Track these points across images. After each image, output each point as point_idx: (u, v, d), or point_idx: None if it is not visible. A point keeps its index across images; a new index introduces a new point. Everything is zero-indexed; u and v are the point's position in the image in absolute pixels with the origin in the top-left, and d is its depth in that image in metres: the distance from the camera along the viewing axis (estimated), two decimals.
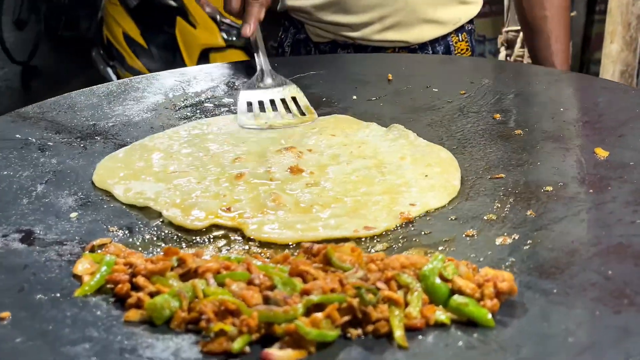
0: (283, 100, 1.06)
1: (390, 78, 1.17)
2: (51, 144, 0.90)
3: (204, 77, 1.19)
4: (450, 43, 1.43)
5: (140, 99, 1.08)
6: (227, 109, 1.06)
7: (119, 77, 4.26)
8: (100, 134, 0.95)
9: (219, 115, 1.03)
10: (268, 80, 1.11)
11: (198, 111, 1.04)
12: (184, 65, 3.64)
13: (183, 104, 1.07)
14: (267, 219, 0.73)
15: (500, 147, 0.88)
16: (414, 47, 1.41)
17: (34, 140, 0.91)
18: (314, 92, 1.13)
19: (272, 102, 1.06)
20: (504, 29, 2.36)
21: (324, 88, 1.15)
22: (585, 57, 3.19)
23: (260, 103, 1.05)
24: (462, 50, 1.45)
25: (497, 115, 0.98)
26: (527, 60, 2.35)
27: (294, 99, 1.07)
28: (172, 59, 3.90)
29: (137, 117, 1.01)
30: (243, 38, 1.14)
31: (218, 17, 3.84)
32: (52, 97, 1.05)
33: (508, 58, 2.37)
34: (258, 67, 1.12)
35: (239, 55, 3.46)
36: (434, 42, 1.41)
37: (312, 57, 1.37)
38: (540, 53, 1.38)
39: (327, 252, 0.55)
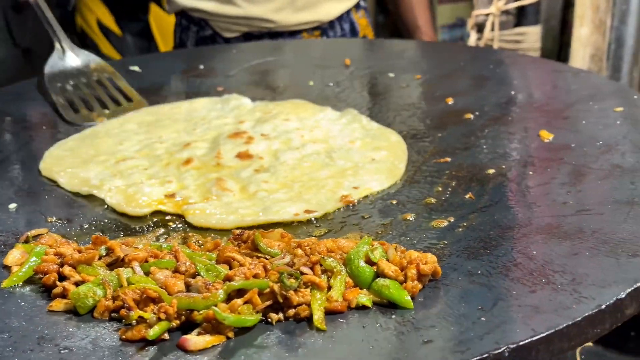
0: (99, 83, 1.01)
1: (348, 63, 1.17)
2: None
3: (160, 66, 1.18)
4: (354, 20, 1.48)
5: None
6: (183, 95, 1.05)
7: None
8: (48, 123, 0.94)
9: (173, 102, 1.03)
10: (72, 58, 1.03)
11: (152, 97, 1.04)
12: (158, 52, 3.61)
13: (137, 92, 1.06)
14: (210, 204, 0.73)
15: (449, 131, 0.89)
16: (325, 27, 1.44)
17: None
18: (271, 78, 1.12)
19: (88, 84, 1.00)
20: (474, 13, 2.36)
21: (282, 74, 1.15)
22: (564, 40, 3.20)
23: (76, 87, 0.99)
24: (364, 26, 1.52)
25: (449, 99, 0.99)
26: (497, 44, 2.36)
27: (110, 80, 1.01)
28: (147, 46, 3.85)
29: None
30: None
31: None
32: (2, 87, 1.04)
33: (478, 42, 2.37)
34: (56, 43, 1.02)
35: None
36: (340, 19, 1.46)
37: (270, 42, 1.36)
38: (406, 17, 1.52)
39: (254, 238, 0.56)
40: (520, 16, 2.29)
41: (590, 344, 1.03)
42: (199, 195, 0.75)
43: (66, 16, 4.58)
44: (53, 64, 1.01)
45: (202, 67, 1.18)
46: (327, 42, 1.36)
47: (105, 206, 0.73)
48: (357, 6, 1.48)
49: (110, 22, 4.10)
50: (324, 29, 1.43)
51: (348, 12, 1.45)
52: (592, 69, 2.64)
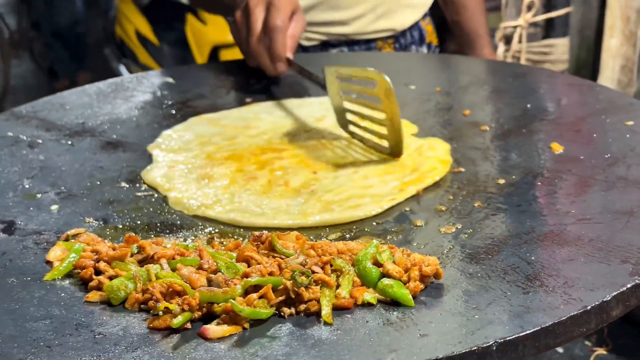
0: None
1: None
2: (40, 141, 0.96)
3: (192, 77, 1.24)
4: (422, 27, 1.53)
5: (129, 97, 1.14)
6: (212, 109, 1.11)
7: (131, 74, 4.35)
8: (88, 131, 1.01)
9: (204, 113, 1.08)
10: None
11: (183, 110, 1.10)
12: (194, 62, 3.71)
13: (170, 103, 1.12)
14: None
15: (465, 142, 0.93)
16: (397, 36, 1.49)
17: (24, 137, 0.97)
18: (298, 90, 1.18)
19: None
20: (502, 25, 2.38)
21: (307, 86, 1.20)
22: (599, 50, 3.19)
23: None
24: (430, 32, 1.57)
25: (467, 112, 1.02)
26: (525, 55, 2.37)
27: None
28: (183, 56, 3.96)
29: (125, 115, 1.07)
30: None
31: None
32: (46, 97, 1.12)
33: (506, 54, 2.40)
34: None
35: None
36: (411, 27, 1.51)
37: (298, 55, 1.41)
38: (467, 25, 1.56)
39: (271, 239, 0.61)
40: (549, 28, 2.31)
41: (604, 351, 1.06)
42: None
43: (106, 27, 4.73)
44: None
45: (232, 78, 1.24)
46: (354, 55, 1.41)
47: (138, 210, 0.79)
48: (424, 14, 1.54)
49: (148, 31, 4.22)
50: (396, 37, 1.49)
51: (417, 20, 1.51)
52: (622, 80, 2.63)
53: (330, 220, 0.75)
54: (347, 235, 0.72)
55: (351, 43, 1.46)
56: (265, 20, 1.08)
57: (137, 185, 0.85)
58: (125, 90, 1.17)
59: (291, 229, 0.72)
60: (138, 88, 1.18)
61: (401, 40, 1.50)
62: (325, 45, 1.46)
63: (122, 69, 4.45)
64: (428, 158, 0.88)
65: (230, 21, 1.15)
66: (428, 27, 1.55)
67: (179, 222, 0.76)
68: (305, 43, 1.46)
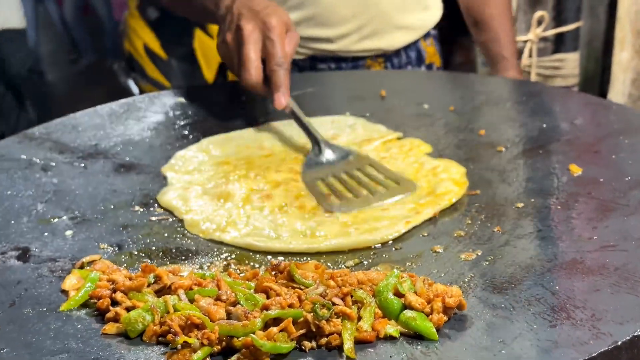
0: (360, 171, 0.91)
1: (384, 94, 1.21)
2: (54, 164, 0.96)
3: (204, 97, 1.24)
4: (421, 48, 1.51)
5: (142, 118, 1.14)
6: (224, 129, 1.11)
7: (139, 89, 4.37)
8: (101, 153, 1.01)
9: (216, 134, 1.08)
10: (329, 154, 0.95)
11: (196, 130, 1.09)
12: (203, 77, 3.72)
13: (182, 123, 1.12)
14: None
15: (481, 163, 0.92)
16: (389, 55, 1.48)
17: (38, 160, 0.97)
18: (308, 108, 1.17)
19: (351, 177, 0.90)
20: None
21: (319, 104, 1.19)
22: (607, 62, 3.18)
23: (335, 177, 0.90)
24: (432, 54, 1.55)
25: (482, 132, 1.01)
26: (535, 70, 2.36)
27: (372, 167, 0.92)
28: (192, 70, 3.98)
29: (138, 136, 1.07)
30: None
31: None
32: (59, 118, 1.11)
33: None
34: (311, 141, 0.98)
35: None
36: (407, 48, 1.49)
37: (307, 74, 1.41)
38: (492, 47, 1.53)
39: (290, 269, 0.60)
40: (559, 43, 2.30)
41: None
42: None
43: (115, 42, 4.75)
44: (309, 162, 0.95)
45: (244, 98, 1.23)
46: (362, 73, 1.40)
47: (152, 235, 0.78)
48: (425, 35, 1.52)
49: (156, 46, 4.25)
50: (388, 56, 1.48)
51: (415, 40, 1.49)
52: (633, 94, 2.62)
53: (346, 244, 0.74)
54: (365, 262, 0.71)
55: (338, 60, 1.46)
56: (263, 50, 1.01)
57: (151, 209, 0.85)
58: (138, 110, 1.17)
59: (307, 254, 0.72)
60: (150, 109, 1.18)
61: (394, 59, 1.48)
62: (313, 60, 1.46)
63: (131, 83, 4.47)
64: (443, 180, 0.87)
65: (219, 41, 1.08)
66: (429, 49, 1.53)
67: (194, 248, 0.76)
68: (294, 56, 1.45)
